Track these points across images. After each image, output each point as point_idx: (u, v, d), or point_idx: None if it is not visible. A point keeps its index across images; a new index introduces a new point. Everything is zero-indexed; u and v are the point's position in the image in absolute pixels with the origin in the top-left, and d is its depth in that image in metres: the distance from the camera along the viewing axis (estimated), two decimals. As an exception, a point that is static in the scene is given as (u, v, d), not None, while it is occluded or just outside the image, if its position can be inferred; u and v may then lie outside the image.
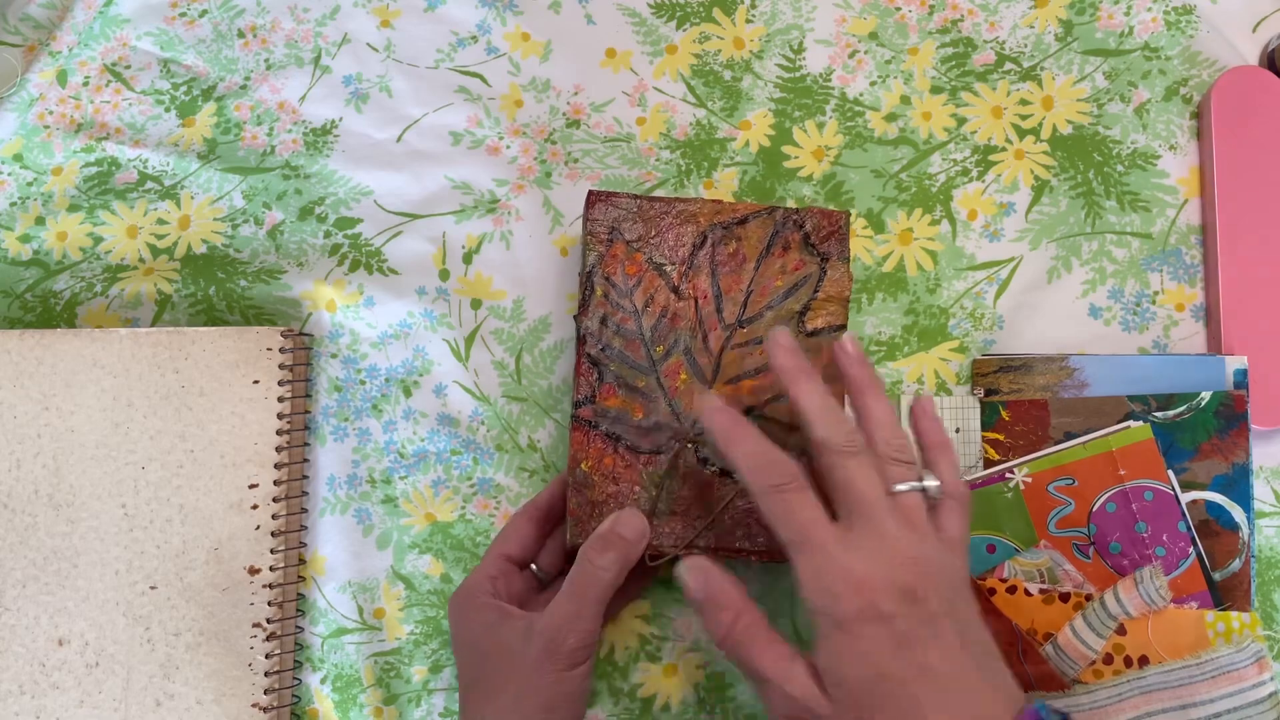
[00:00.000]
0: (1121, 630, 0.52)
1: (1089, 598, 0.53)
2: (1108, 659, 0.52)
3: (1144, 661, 0.52)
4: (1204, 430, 0.55)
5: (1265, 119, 0.58)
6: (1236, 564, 0.54)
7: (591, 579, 0.49)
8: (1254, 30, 0.62)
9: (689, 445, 0.54)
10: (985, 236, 0.60)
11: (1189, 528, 0.54)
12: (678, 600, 0.58)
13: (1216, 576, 0.54)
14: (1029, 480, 0.55)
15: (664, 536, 0.53)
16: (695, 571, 0.46)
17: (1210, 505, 0.55)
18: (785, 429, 0.54)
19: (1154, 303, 0.59)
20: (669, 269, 0.56)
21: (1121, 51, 0.62)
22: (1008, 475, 0.56)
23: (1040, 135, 0.61)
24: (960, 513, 0.45)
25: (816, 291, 0.55)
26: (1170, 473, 0.54)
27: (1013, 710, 0.40)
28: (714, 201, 0.57)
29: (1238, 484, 0.55)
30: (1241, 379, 0.56)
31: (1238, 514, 0.54)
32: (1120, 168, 0.60)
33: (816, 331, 0.55)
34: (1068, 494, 0.55)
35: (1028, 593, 0.54)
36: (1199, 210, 0.60)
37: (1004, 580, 0.54)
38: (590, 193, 0.57)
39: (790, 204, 0.61)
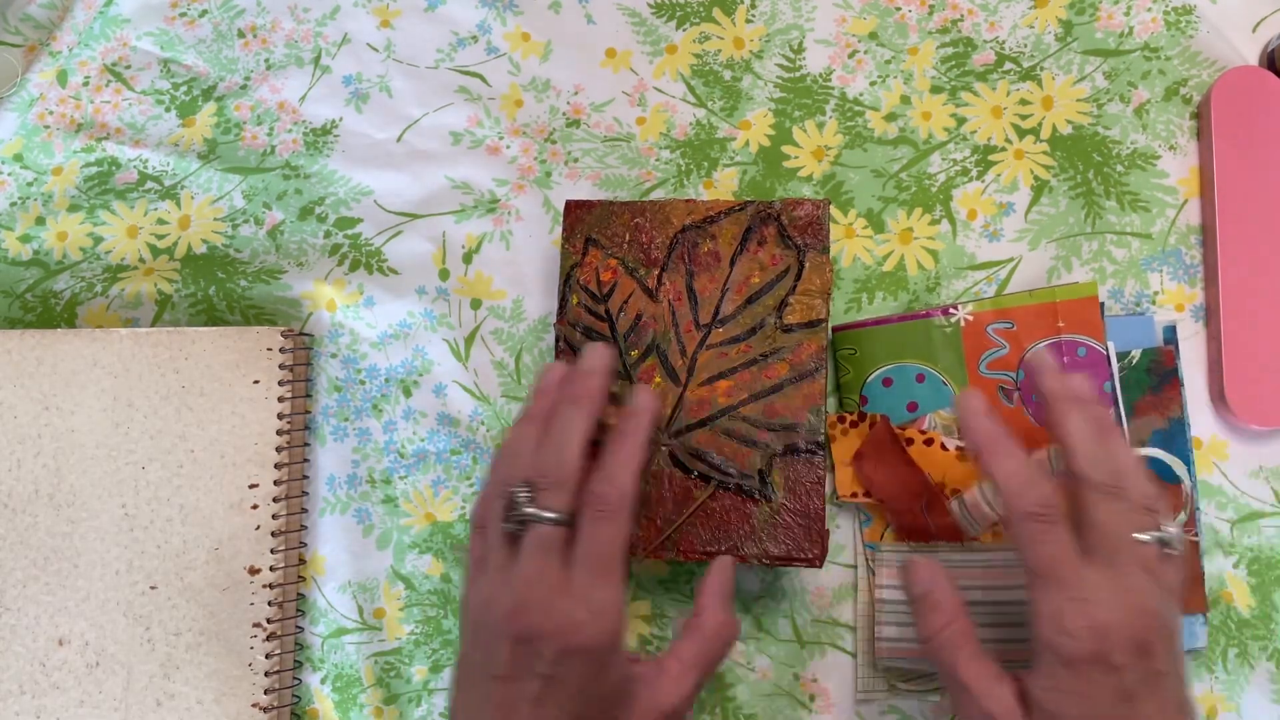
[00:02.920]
0: None
1: None
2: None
3: None
4: (1138, 388, 0.56)
5: (1265, 119, 0.58)
6: (1183, 517, 0.54)
7: (718, 648, 0.49)
8: (1254, 30, 0.62)
9: (662, 448, 0.54)
10: (985, 236, 0.60)
11: (1114, 390, 0.55)
12: (677, 600, 0.58)
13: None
14: (970, 318, 0.56)
15: (635, 538, 0.53)
16: (921, 568, 0.47)
17: (1152, 461, 0.55)
18: (757, 428, 0.54)
19: (1154, 303, 0.59)
20: (642, 272, 0.56)
21: (1121, 51, 0.62)
22: (951, 310, 0.56)
23: (1040, 135, 0.61)
24: (1178, 564, 0.45)
25: (795, 285, 0.55)
26: (1109, 340, 0.55)
27: None
28: (687, 201, 0.57)
29: (1176, 439, 0.55)
30: (1170, 335, 0.57)
31: (1179, 468, 0.55)
32: (1120, 168, 0.60)
33: (793, 328, 0.54)
34: (1004, 337, 0.56)
35: (944, 447, 0.54)
36: (1199, 210, 0.60)
37: (923, 432, 0.55)
38: (567, 202, 0.57)
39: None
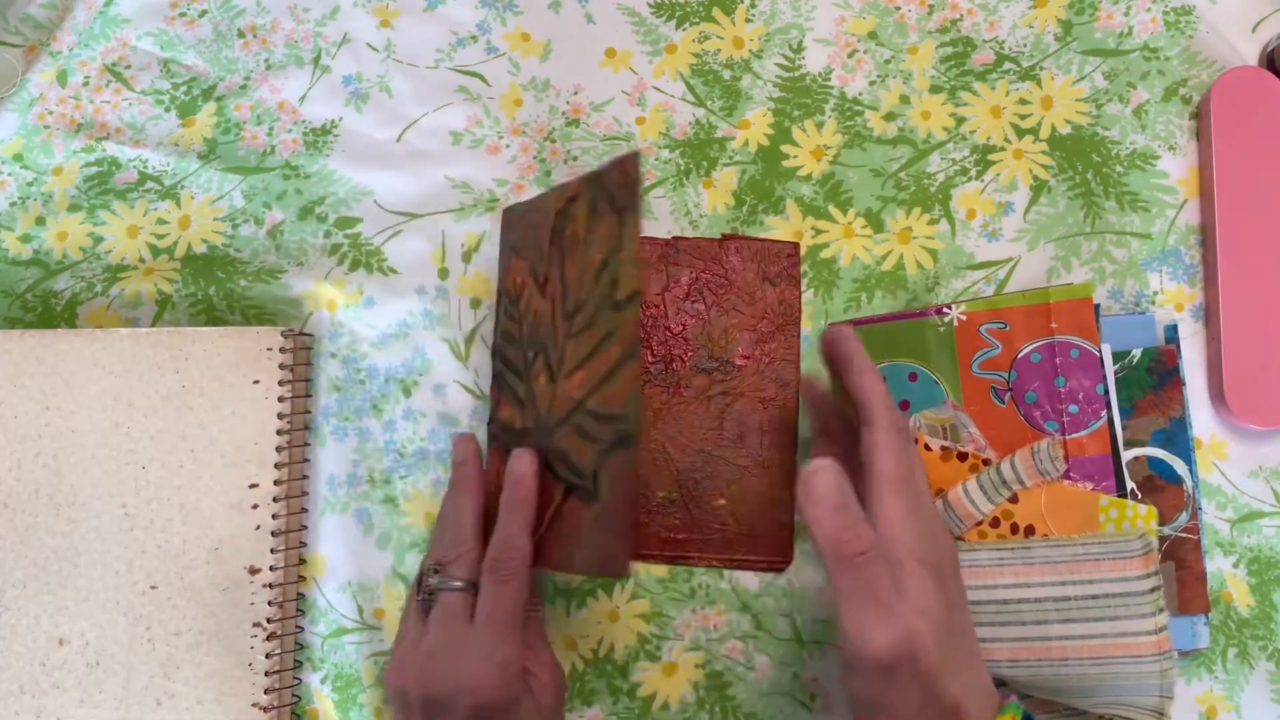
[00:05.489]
0: (1014, 499, 0.53)
1: (986, 462, 0.54)
2: (994, 523, 0.53)
3: (1030, 531, 0.53)
4: (1139, 387, 0.56)
5: (1265, 119, 0.58)
6: (1184, 517, 0.54)
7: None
8: (1254, 30, 0.62)
9: (540, 449, 0.51)
10: (984, 236, 0.60)
11: (1108, 392, 0.55)
12: (676, 599, 0.58)
13: (1165, 531, 0.54)
14: (963, 318, 0.57)
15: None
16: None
17: (1152, 461, 0.55)
18: (597, 421, 0.48)
19: (1154, 303, 0.59)
20: (540, 270, 0.52)
21: (1121, 52, 0.62)
22: (944, 310, 0.57)
23: (1039, 135, 0.61)
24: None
25: (617, 255, 0.47)
26: (1104, 343, 0.55)
27: None
28: (557, 188, 0.52)
29: (1176, 438, 0.55)
30: (1172, 334, 0.57)
31: (1180, 467, 0.55)
32: (1119, 168, 0.60)
33: (619, 304, 0.47)
34: (997, 337, 0.56)
35: (928, 447, 0.55)
36: (1198, 210, 0.60)
37: None
38: (503, 210, 0.55)
39: (788, 204, 0.61)
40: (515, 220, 0.56)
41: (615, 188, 0.48)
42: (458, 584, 0.49)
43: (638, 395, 0.46)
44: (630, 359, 0.46)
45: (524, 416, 0.53)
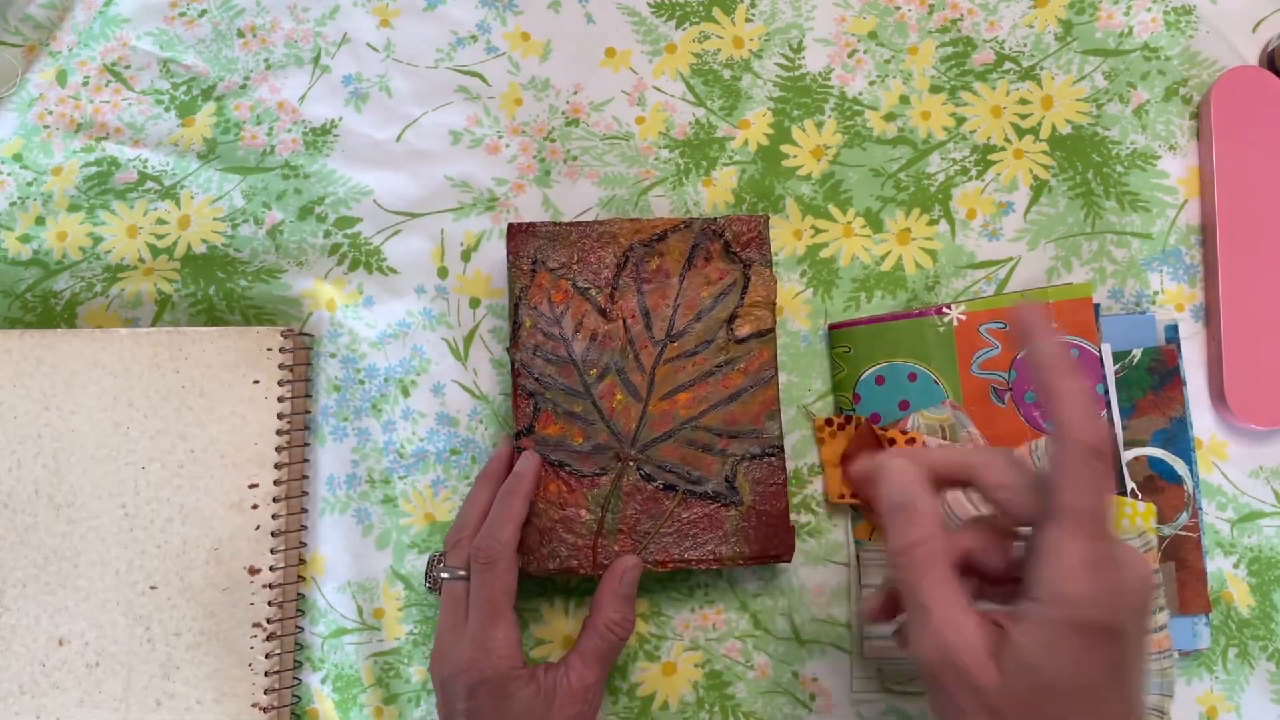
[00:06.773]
0: None
1: None
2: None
3: None
4: (1139, 387, 0.56)
5: (1265, 119, 0.58)
6: (1184, 517, 0.54)
7: (612, 642, 0.53)
8: (1254, 30, 0.62)
9: (630, 464, 0.55)
10: (984, 236, 0.60)
11: (1108, 392, 0.55)
12: (675, 599, 0.58)
13: (1166, 531, 0.54)
14: (963, 318, 0.57)
15: (613, 555, 0.54)
16: (898, 473, 0.42)
17: (1153, 461, 0.55)
18: (719, 436, 0.55)
19: (1154, 303, 0.59)
20: (594, 292, 0.57)
21: (1121, 51, 0.62)
22: (944, 310, 0.57)
23: (1039, 135, 0.61)
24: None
25: (742, 298, 0.56)
26: (1104, 342, 0.55)
27: None
28: (632, 220, 0.57)
29: (1177, 438, 0.55)
30: (1172, 334, 0.57)
31: (1180, 468, 0.55)
32: (1120, 168, 0.60)
33: (745, 338, 0.56)
34: (997, 337, 0.56)
35: (926, 446, 0.54)
36: (1199, 210, 0.60)
37: (905, 432, 0.55)
38: (509, 225, 0.57)
39: (788, 203, 0.61)
40: (534, 237, 0.57)
41: (737, 240, 0.57)
42: (460, 573, 0.53)
43: (776, 413, 0.55)
44: (760, 385, 0.55)
45: (590, 432, 0.56)
